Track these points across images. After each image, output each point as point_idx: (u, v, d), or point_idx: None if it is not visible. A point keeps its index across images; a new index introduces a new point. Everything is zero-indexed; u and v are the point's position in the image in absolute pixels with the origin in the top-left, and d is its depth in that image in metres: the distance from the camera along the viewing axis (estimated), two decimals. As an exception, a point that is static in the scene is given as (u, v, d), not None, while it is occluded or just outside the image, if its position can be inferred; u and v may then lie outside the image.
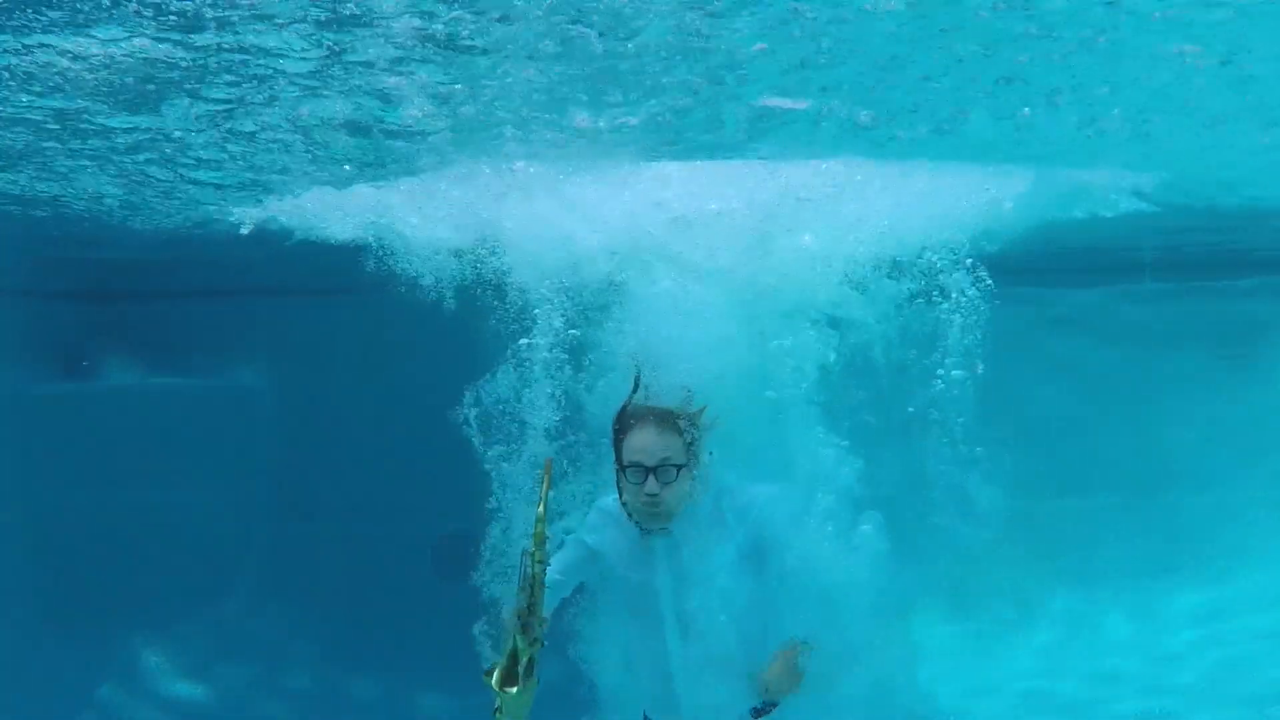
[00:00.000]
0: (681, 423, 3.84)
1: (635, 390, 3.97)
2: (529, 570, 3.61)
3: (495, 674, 3.61)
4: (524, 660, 3.57)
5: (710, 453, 3.97)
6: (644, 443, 3.78)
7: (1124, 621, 8.36)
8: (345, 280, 7.11)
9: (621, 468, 3.83)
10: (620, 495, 3.90)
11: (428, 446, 5.87)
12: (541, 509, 3.62)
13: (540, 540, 3.60)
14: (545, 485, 3.68)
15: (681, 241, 5.22)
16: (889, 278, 5.42)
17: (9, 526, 7.97)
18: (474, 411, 5.23)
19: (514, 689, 3.57)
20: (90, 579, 8.10)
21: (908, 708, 5.28)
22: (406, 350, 7.72)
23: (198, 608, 8.48)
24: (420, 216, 6.14)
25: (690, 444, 3.85)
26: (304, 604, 8.52)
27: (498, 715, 3.65)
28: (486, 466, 5.07)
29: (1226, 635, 8.05)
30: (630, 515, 3.90)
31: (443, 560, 6.13)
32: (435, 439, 5.59)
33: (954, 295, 5.57)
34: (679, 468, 3.79)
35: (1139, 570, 8.55)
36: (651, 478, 3.75)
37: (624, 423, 3.87)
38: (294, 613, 8.53)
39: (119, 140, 5.26)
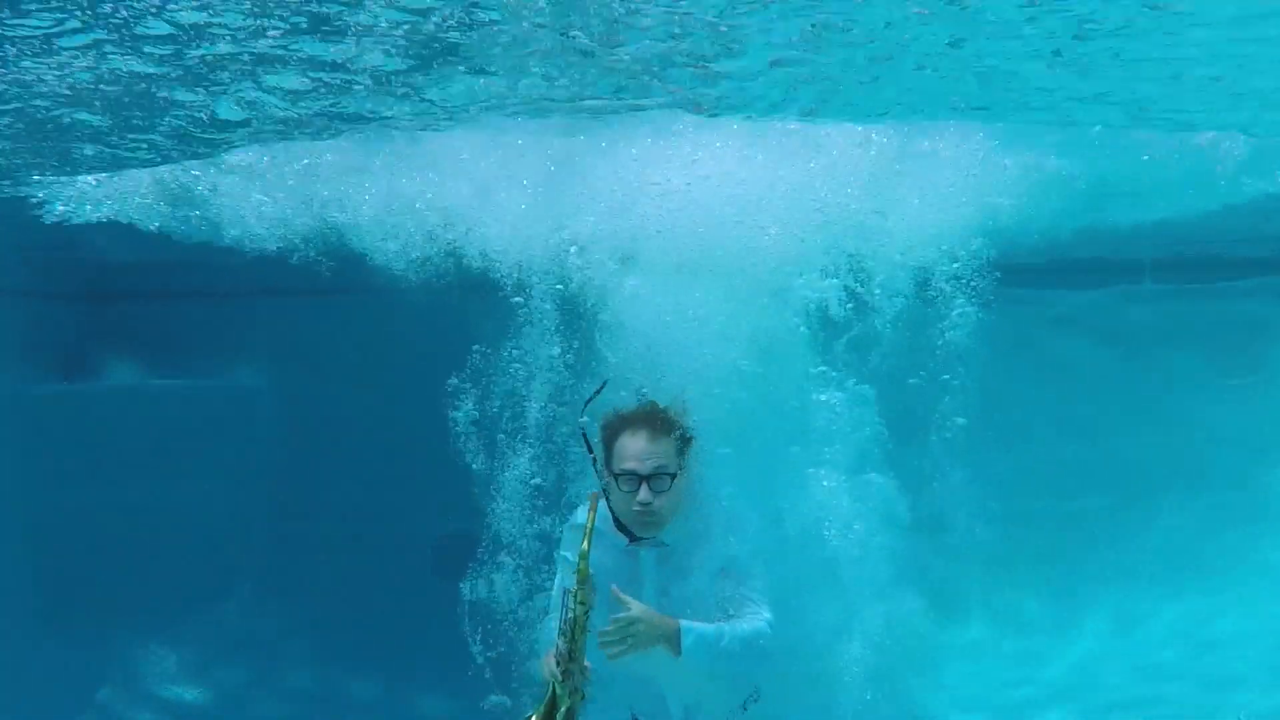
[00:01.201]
0: (675, 427, 3.69)
1: (597, 395, 3.85)
2: (572, 612, 3.34)
3: None
4: (563, 710, 3.29)
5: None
6: (637, 450, 3.58)
7: (1123, 624, 8.34)
8: (344, 280, 7.12)
9: (612, 475, 3.66)
10: (608, 502, 3.72)
11: (427, 447, 5.87)
12: (586, 545, 3.35)
13: (584, 578, 3.33)
14: (590, 520, 3.40)
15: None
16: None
17: (8, 527, 7.97)
18: (473, 411, 5.23)
19: None
20: (90, 580, 8.09)
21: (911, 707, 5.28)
22: (406, 350, 7.70)
23: (198, 608, 8.47)
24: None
25: (683, 448, 3.70)
26: (304, 604, 8.50)
27: None
28: (484, 467, 5.06)
29: (1226, 639, 8.04)
30: (619, 523, 3.73)
31: (443, 560, 6.11)
32: (435, 439, 5.61)
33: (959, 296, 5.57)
34: (673, 476, 3.62)
35: (1139, 572, 8.54)
36: (645, 487, 3.58)
37: (614, 427, 3.71)
38: (294, 613, 8.52)
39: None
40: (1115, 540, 8.66)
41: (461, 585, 4.98)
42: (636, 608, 3.40)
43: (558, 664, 3.34)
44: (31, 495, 8.09)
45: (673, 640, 3.43)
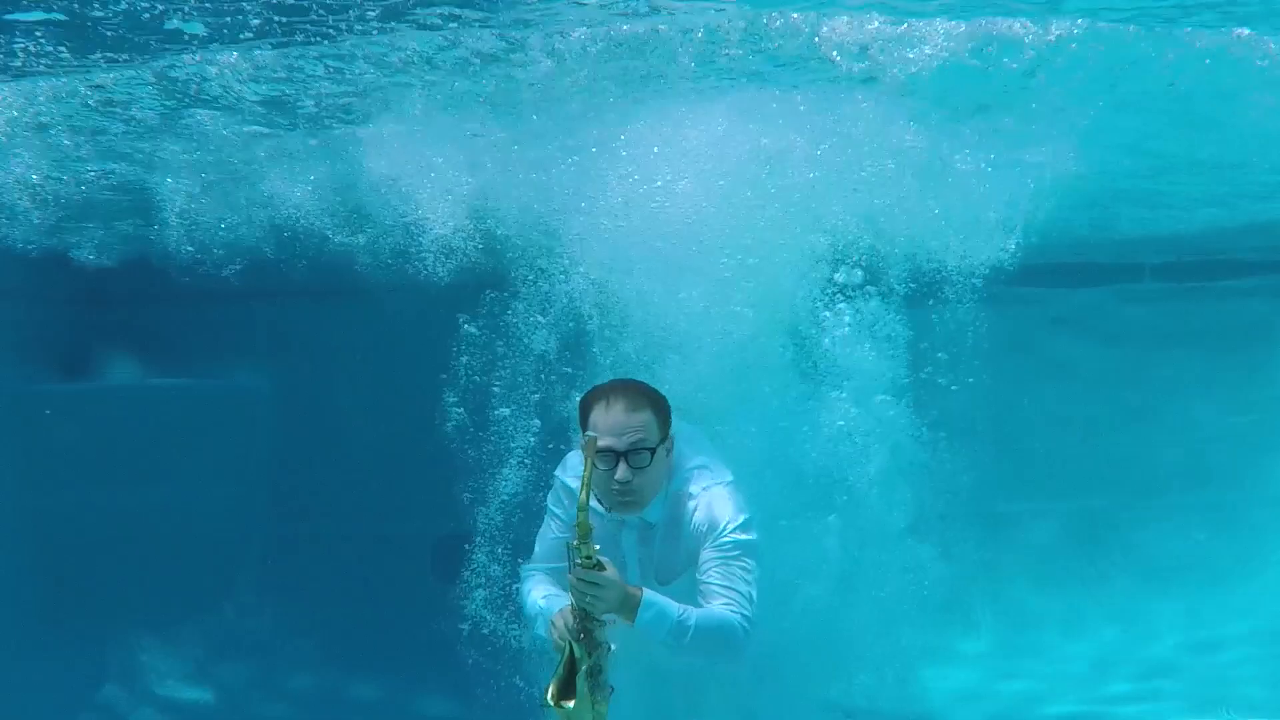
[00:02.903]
0: (654, 397, 3.41)
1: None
2: (580, 567, 3.09)
3: (550, 688, 3.09)
4: (584, 668, 3.05)
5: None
6: (612, 423, 3.27)
7: (1121, 624, 8.33)
8: (344, 281, 7.13)
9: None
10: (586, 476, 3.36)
11: (427, 447, 5.86)
12: (584, 495, 3.03)
13: (586, 532, 3.06)
14: (587, 469, 3.07)
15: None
16: None
17: (8, 527, 7.97)
18: (471, 411, 5.22)
19: (570, 703, 3.04)
20: (90, 580, 8.09)
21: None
22: (405, 351, 7.72)
23: (197, 608, 8.47)
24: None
25: (664, 420, 3.40)
26: (304, 604, 8.50)
27: None
28: (482, 467, 5.05)
29: (1227, 639, 8.03)
30: (599, 500, 3.47)
31: (442, 561, 6.12)
32: (434, 439, 5.60)
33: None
34: (653, 451, 3.34)
35: (1138, 573, 8.53)
36: (623, 464, 3.31)
37: (588, 399, 3.42)
38: (294, 613, 8.51)
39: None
40: (1115, 540, 8.66)
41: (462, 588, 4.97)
42: (611, 572, 3.10)
43: (575, 622, 3.11)
44: (31, 495, 8.09)
45: (631, 610, 3.15)
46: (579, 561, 3.05)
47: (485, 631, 4.87)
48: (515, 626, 4.64)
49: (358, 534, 8.81)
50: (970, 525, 7.45)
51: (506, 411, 5.15)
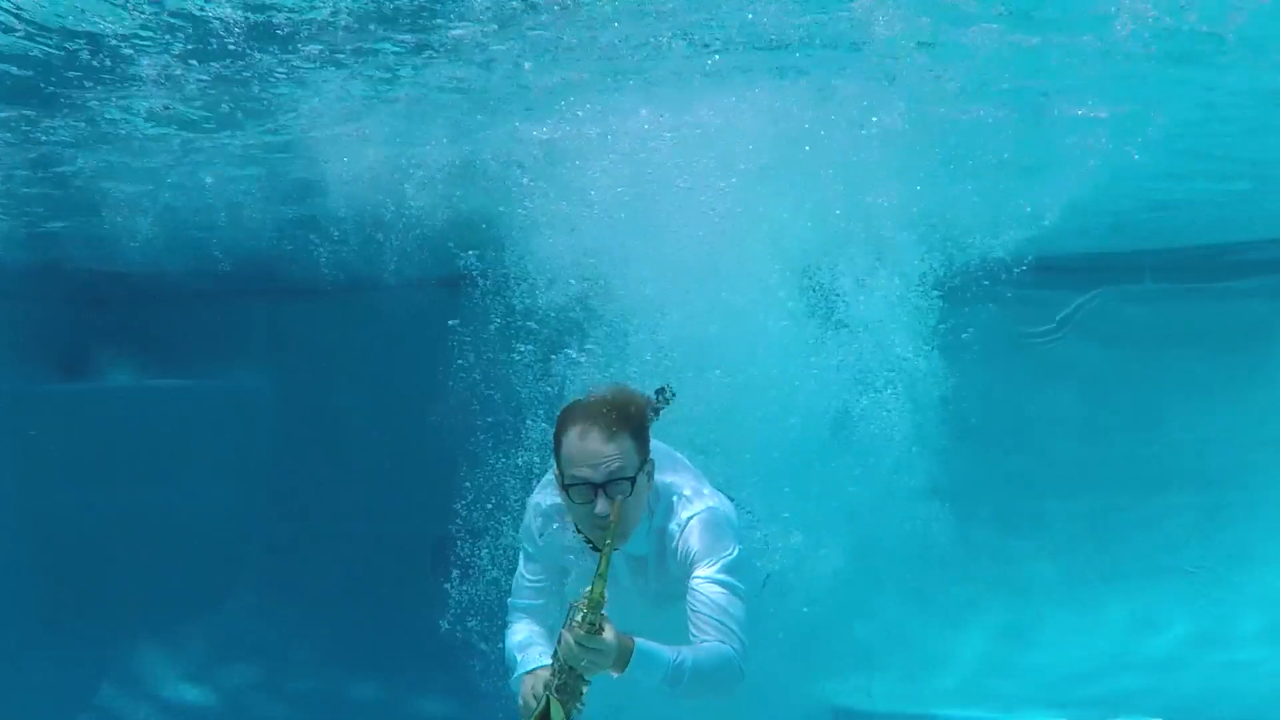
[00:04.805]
0: (632, 418, 3.10)
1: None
2: (578, 626, 2.81)
3: None
4: None
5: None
6: (588, 453, 3.01)
7: (1120, 624, 8.34)
8: (344, 280, 7.13)
9: (563, 485, 3.11)
10: (564, 504, 3.19)
11: (427, 446, 5.86)
12: (603, 563, 2.80)
13: (598, 602, 2.78)
14: (606, 551, 2.82)
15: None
16: None
17: (8, 527, 7.98)
18: (471, 411, 5.21)
19: None
20: (90, 581, 8.09)
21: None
22: (405, 350, 7.73)
23: (198, 609, 8.48)
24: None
25: (644, 441, 3.14)
26: (305, 605, 8.51)
27: None
28: (483, 467, 5.04)
29: (1227, 639, 8.04)
30: (578, 531, 3.23)
31: (441, 562, 6.12)
32: (434, 438, 5.60)
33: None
34: (633, 480, 3.06)
35: (1137, 572, 8.54)
36: (602, 496, 3.03)
37: (558, 424, 3.13)
38: (294, 614, 8.52)
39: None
40: (1116, 540, 8.67)
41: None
42: (609, 633, 2.84)
43: (557, 677, 2.91)
44: (31, 495, 8.09)
45: (624, 663, 2.90)
46: (578, 623, 2.79)
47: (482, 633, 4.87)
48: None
49: (358, 534, 8.81)
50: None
51: (504, 410, 5.14)
